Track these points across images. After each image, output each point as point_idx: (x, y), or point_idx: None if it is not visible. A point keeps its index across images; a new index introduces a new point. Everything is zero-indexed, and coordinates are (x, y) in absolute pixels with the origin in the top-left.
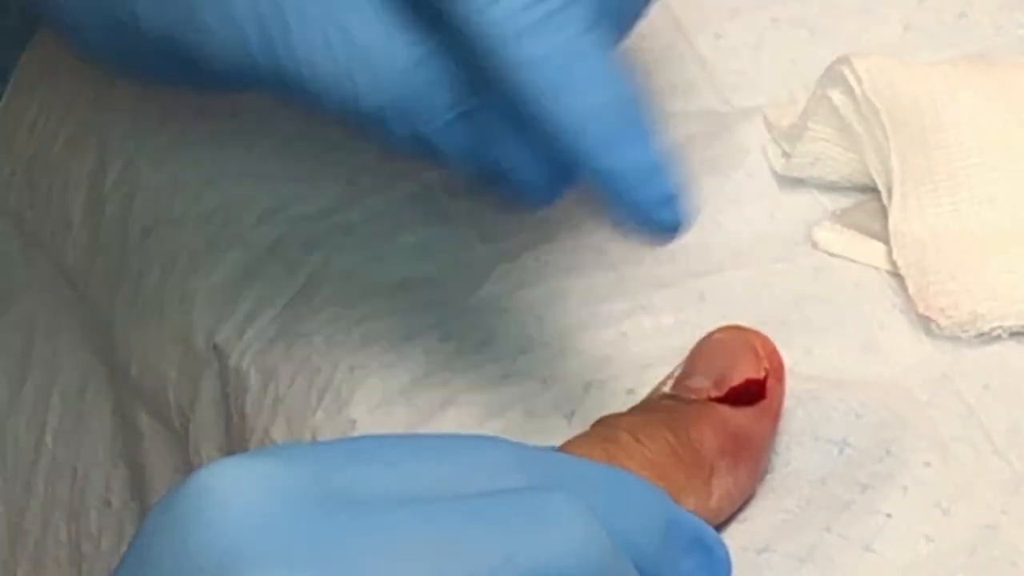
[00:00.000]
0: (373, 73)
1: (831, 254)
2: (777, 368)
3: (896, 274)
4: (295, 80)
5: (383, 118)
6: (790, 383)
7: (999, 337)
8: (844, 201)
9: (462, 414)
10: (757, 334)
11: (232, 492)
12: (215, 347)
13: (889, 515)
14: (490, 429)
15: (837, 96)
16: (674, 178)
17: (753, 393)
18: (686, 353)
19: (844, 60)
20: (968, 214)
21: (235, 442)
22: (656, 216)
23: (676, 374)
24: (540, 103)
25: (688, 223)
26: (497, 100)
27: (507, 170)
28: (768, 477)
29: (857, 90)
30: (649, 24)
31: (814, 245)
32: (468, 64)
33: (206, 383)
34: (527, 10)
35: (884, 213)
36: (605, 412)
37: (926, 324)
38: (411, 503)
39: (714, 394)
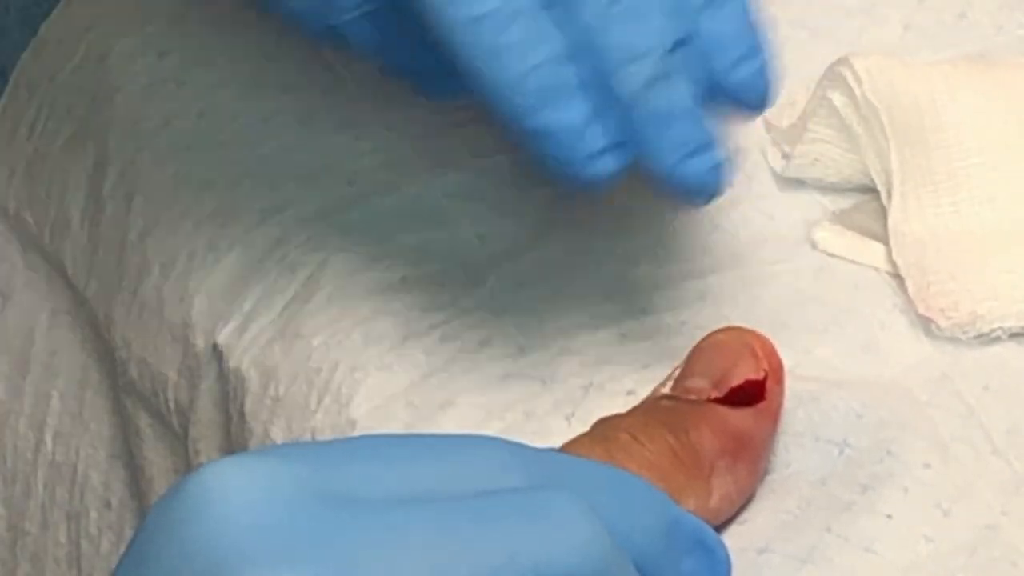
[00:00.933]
0: None
1: (831, 255)
2: (776, 369)
3: (896, 275)
4: None
5: (301, 11)
6: (790, 384)
7: (999, 338)
8: (844, 202)
9: (462, 414)
10: (756, 335)
11: (232, 491)
12: (215, 347)
13: (889, 516)
14: (490, 430)
15: (837, 97)
16: (608, 133)
17: (752, 394)
18: (686, 353)
19: (844, 61)
20: (968, 214)
21: (235, 442)
22: (585, 171)
23: (675, 375)
24: (474, 64)
25: (617, 177)
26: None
27: (410, 68)
28: (768, 478)
29: (857, 91)
30: None
31: (814, 246)
32: None
33: (206, 383)
34: None
35: (884, 214)
36: (605, 413)
37: (926, 324)
38: (412, 502)
39: (714, 395)
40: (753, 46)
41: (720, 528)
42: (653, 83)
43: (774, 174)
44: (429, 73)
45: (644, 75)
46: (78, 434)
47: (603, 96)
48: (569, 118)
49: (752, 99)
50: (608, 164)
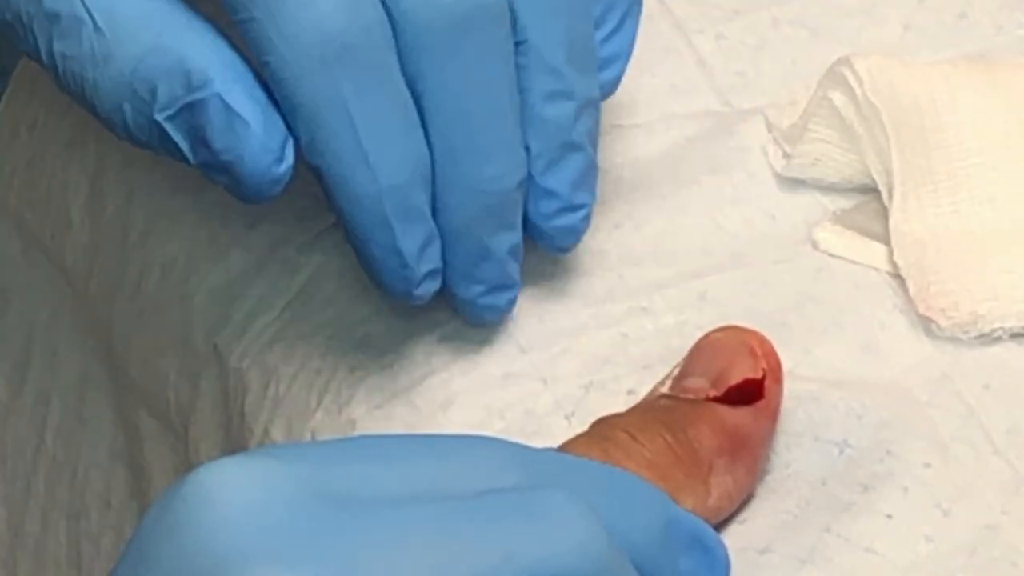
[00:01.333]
0: (108, 61)
1: (831, 255)
2: (775, 368)
3: (896, 275)
4: (52, 72)
5: (120, 106)
6: (790, 384)
7: (999, 338)
8: (844, 202)
9: (462, 414)
10: (755, 334)
11: (231, 491)
12: (215, 347)
13: (889, 516)
14: (490, 430)
15: (838, 97)
16: (432, 259)
17: (751, 393)
18: (686, 353)
19: (844, 61)
20: (968, 214)
21: (235, 442)
22: (407, 294)
23: (674, 374)
24: (336, 175)
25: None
26: (230, 88)
27: (227, 162)
28: (768, 478)
29: (858, 91)
30: (649, 24)
31: (814, 246)
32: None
33: (206, 383)
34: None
35: (885, 214)
36: (605, 412)
37: (926, 324)
38: (411, 502)
39: (712, 394)
40: (579, 201)
41: (720, 528)
42: (487, 219)
43: (775, 174)
44: (247, 166)
45: (482, 210)
46: (78, 434)
47: (433, 220)
48: (406, 245)
49: (561, 245)
50: (427, 289)
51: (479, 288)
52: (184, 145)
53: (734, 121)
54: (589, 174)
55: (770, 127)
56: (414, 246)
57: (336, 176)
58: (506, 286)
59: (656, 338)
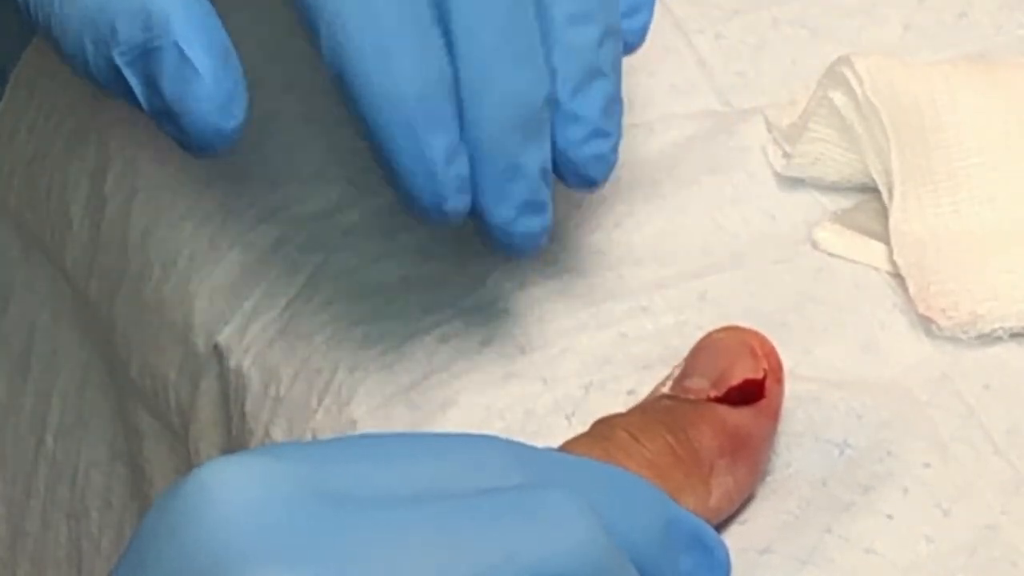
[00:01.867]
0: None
1: (831, 254)
2: (776, 368)
3: (896, 274)
4: (24, 8)
5: (82, 45)
6: (790, 384)
7: (1000, 338)
8: (844, 201)
9: (462, 414)
10: (755, 334)
11: (231, 490)
12: (215, 347)
13: (889, 516)
14: (490, 430)
15: (838, 96)
16: (460, 175)
17: (752, 393)
18: (686, 353)
19: (844, 60)
20: (968, 214)
21: (235, 442)
22: (437, 208)
23: (675, 374)
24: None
25: (460, 220)
26: (188, 36)
27: (175, 112)
28: (769, 478)
29: (858, 91)
30: None
31: (814, 245)
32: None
33: (206, 383)
34: None
35: (884, 213)
36: (605, 412)
37: (926, 324)
38: (411, 501)
39: (713, 394)
40: (608, 128)
41: (721, 528)
42: (515, 132)
43: (775, 174)
44: (195, 119)
45: (509, 121)
46: (79, 434)
47: (462, 138)
48: (432, 150)
49: (592, 175)
50: (456, 204)
51: (511, 210)
52: (139, 90)
53: (734, 121)
54: (616, 104)
55: (770, 127)
56: (440, 152)
57: (358, 79)
58: (538, 207)
59: (656, 338)
